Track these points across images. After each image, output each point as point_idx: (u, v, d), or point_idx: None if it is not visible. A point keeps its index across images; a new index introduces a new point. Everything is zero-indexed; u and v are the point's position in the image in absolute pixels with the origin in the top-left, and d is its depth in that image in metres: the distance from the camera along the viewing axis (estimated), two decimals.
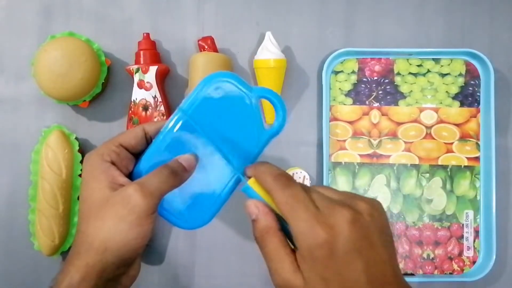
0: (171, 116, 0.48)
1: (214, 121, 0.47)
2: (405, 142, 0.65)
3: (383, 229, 0.41)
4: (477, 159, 0.65)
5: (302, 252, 0.40)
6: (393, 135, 0.65)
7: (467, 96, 0.65)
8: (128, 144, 0.48)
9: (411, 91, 0.65)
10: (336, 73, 0.66)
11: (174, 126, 0.47)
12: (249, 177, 0.45)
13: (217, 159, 0.48)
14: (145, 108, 0.63)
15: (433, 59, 0.65)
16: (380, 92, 0.65)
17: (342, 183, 0.65)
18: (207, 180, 0.48)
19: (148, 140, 0.49)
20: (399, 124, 0.65)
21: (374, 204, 0.42)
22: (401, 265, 0.64)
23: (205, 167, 0.48)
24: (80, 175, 0.65)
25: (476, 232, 0.65)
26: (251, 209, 0.44)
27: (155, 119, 0.62)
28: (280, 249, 0.42)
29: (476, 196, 0.65)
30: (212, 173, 0.48)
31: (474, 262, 0.64)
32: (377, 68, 0.65)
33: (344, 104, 0.65)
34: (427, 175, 0.65)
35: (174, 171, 0.46)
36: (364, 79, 0.65)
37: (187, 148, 0.47)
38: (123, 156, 0.47)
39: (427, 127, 0.65)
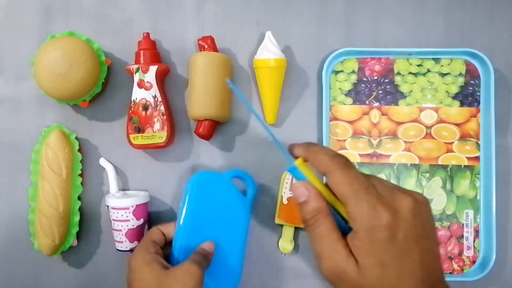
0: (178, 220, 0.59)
1: (209, 209, 0.60)
2: (405, 142, 0.65)
3: (434, 222, 0.42)
4: (477, 159, 0.65)
5: (360, 234, 0.39)
6: (393, 135, 0.65)
7: (467, 96, 0.65)
8: (157, 239, 0.58)
9: (411, 91, 0.65)
10: (336, 72, 0.66)
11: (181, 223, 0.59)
12: (296, 158, 0.44)
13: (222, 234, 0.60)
14: (145, 107, 0.63)
15: (433, 59, 0.65)
16: (380, 91, 0.65)
17: None
18: (222, 253, 0.60)
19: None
20: (399, 124, 0.65)
21: (426, 198, 0.42)
22: None
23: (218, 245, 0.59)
24: (80, 175, 0.65)
25: (476, 232, 0.65)
26: (301, 190, 0.43)
27: (155, 119, 0.62)
28: (333, 232, 0.41)
29: (476, 196, 0.65)
30: (225, 246, 0.60)
31: (474, 262, 0.64)
32: (377, 67, 0.66)
33: (344, 104, 0.65)
34: (427, 174, 0.65)
35: (204, 256, 0.56)
36: (364, 79, 0.65)
37: (200, 232, 0.59)
38: (158, 248, 0.57)
39: (427, 127, 0.65)
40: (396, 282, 0.39)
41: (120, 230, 0.62)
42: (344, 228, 0.42)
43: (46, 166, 0.62)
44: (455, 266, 0.64)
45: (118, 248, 0.63)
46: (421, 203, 0.41)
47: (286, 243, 0.65)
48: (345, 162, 0.42)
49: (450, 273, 0.64)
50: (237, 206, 0.61)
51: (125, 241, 0.62)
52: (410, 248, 0.39)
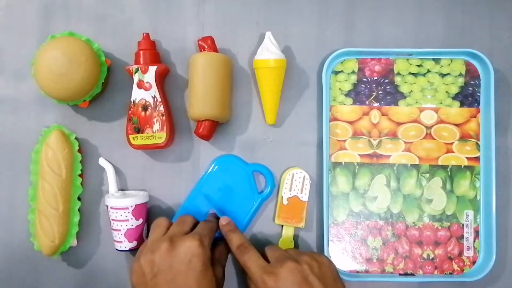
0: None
1: (222, 187, 0.65)
2: (405, 142, 0.65)
3: (322, 273, 0.55)
4: (477, 159, 0.65)
5: None
6: (393, 135, 0.65)
7: (467, 96, 0.65)
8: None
9: (411, 91, 0.65)
10: (336, 73, 0.65)
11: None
12: None
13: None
14: (145, 108, 0.63)
15: (433, 59, 0.65)
16: (380, 92, 0.65)
17: (342, 183, 0.65)
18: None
19: None
20: (399, 124, 0.65)
21: (315, 256, 0.57)
22: (401, 265, 0.64)
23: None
24: (80, 175, 0.65)
25: (476, 232, 0.65)
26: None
27: (154, 119, 0.62)
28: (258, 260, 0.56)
29: (476, 196, 0.65)
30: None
31: (474, 262, 0.64)
32: (377, 68, 0.65)
33: (344, 104, 0.65)
34: (427, 175, 0.65)
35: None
36: (364, 79, 0.65)
37: (206, 205, 0.65)
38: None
39: (427, 127, 0.65)
40: None
41: (119, 230, 0.62)
42: None
43: (46, 166, 0.62)
44: (455, 266, 0.64)
45: (117, 248, 0.63)
46: (302, 263, 0.54)
47: (286, 243, 0.65)
48: (243, 249, 0.58)
49: (450, 273, 0.64)
50: (248, 199, 0.64)
51: (124, 241, 0.62)
52: None
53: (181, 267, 0.54)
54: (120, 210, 0.62)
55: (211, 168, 0.65)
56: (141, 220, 0.63)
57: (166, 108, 0.63)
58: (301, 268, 0.54)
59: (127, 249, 0.63)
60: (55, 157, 0.62)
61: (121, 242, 0.63)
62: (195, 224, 0.61)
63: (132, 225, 0.62)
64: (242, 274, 0.65)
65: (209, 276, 0.55)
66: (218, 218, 0.63)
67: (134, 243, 0.63)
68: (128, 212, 0.62)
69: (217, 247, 0.61)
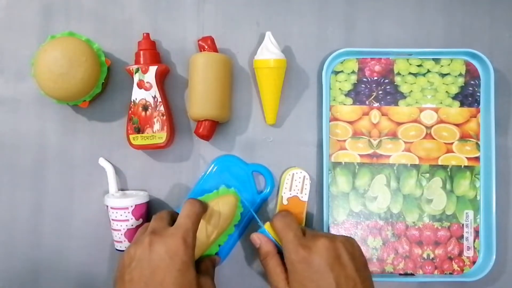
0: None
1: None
2: (405, 142, 0.65)
3: (354, 256, 0.55)
4: (477, 159, 0.65)
5: (288, 266, 0.55)
6: (393, 135, 0.65)
7: (467, 96, 0.65)
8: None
9: (411, 91, 0.65)
10: (336, 73, 0.66)
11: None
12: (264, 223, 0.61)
13: None
14: (145, 108, 0.63)
15: (433, 59, 0.65)
16: (380, 92, 0.65)
17: (342, 183, 0.65)
18: None
19: None
20: (399, 124, 0.65)
21: (349, 239, 0.57)
22: (401, 265, 0.64)
23: None
24: None
25: (476, 232, 0.65)
26: (255, 239, 0.61)
27: (155, 119, 0.62)
28: (277, 267, 0.57)
29: (476, 196, 0.65)
30: None
31: (474, 262, 0.64)
32: (377, 68, 0.65)
33: (344, 104, 0.65)
34: (427, 175, 0.65)
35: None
36: (364, 79, 0.65)
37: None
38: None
39: (427, 127, 0.65)
40: None
41: (119, 230, 0.62)
42: None
43: None
44: (455, 266, 0.64)
45: (117, 248, 0.63)
46: (336, 242, 0.54)
47: None
48: (285, 213, 0.60)
49: (450, 273, 0.64)
50: (246, 199, 0.64)
51: (124, 241, 0.63)
52: (325, 272, 0.52)
53: (160, 263, 0.52)
54: (120, 210, 0.62)
55: (210, 168, 0.65)
56: (141, 220, 0.63)
57: (166, 108, 0.63)
58: (335, 245, 0.54)
59: None
60: None
61: (121, 242, 0.63)
62: (175, 215, 0.59)
63: (132, 225, 0.62)
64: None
65: (189, 277, 0.53)
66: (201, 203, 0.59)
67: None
68: (128, 212, 0.62)
69: (204, 260, 0.60)
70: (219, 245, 0.62)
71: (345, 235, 0.62)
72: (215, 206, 0.60)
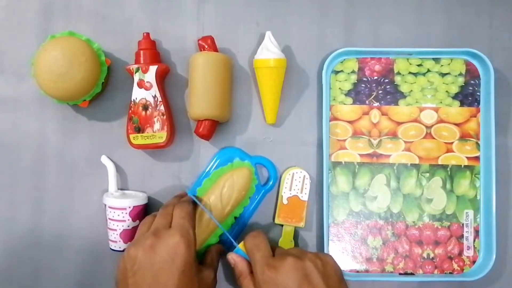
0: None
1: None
2: (405, 142, 0.65)
3: (326, 274, 0.53)
4: (477, 158, 0.65)
5: (258, 286, 0.55)
6: (393, 135, 0.65)
7: (467, 96, 0.65)
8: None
9: (411, 90, 0.65)
10: (336, 72, 0.66)
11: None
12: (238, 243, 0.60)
13: None
14: (145, 107, 0.63)
15: (433, 58, 0.65)
16: (380, 91, 0.65)
17: (342, 183, 0.65)
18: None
19: None
20: (399, 123, 0.65)
21: (321, 256, 0.55)
22: (401, 265, 0.64)
23: None
24: None
25: (476, 232, 0.65)
26: (229, 260, 0.59)
27: (155, 119, 0.62)
28: (250, 286, 0.56)
29: (476, 195, 0.65)
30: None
31: (474, 262, 0.64)
32: (377, 67, 0.65)
33: (344, 104, 0.65)
34: (427, 174, 0.65)
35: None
36: (364, 79, 0.65)
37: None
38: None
39: (427, 127, 0.65)
40: None
41: (115, 230, 0.62)
42: None
43: None
44: (455, 266, 0.64)
45: (112, 247, 0.63)
46: (305, 261, 0.53)
47: (286, 243, 0.65)
48: (256, 234, 0.58)
49: (450, 273, 0.64)
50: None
51: (119, 241, 0.62)
52: None
53: (163, 265, 0.53)
54: (117, 210, 0.62)
55: (213, 161, 0.65)
56: (137, 222, 0.63)
57: (166, 107, 0.63)
58: (303, 264, 0.53)
59: (121, 249, 0.63)
60: None
61: (115, 242, 0.63)
62: None
63: (128, 226, 0.62)
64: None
65: (192, 277, 0.54)
66: (190, 199, 0.61)
67: (129, 244, 0.62)
68: (126, 213, 0.62)
69: (210, 250, 0.61)
70: (235, 217, 0.63)
71: (319, 252, 0.61)
72: (229, 179, 0.61)
